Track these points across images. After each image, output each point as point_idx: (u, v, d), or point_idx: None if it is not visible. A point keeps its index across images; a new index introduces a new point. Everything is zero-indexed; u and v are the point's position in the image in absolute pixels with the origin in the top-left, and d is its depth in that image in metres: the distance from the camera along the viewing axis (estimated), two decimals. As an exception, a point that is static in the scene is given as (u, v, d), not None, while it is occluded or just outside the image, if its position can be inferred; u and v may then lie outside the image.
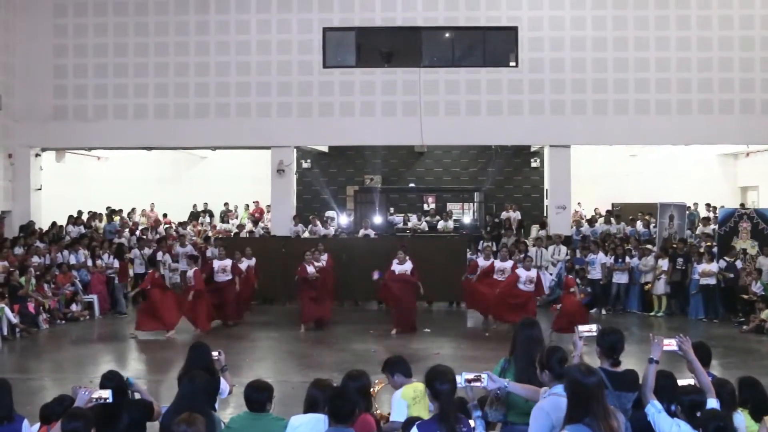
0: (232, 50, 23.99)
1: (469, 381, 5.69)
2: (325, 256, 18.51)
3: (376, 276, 17.59)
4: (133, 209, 27.37)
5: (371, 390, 7.12)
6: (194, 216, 28.39)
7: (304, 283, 17.42)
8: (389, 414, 6.73)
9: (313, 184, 28.02)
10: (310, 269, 17.48)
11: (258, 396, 6.05)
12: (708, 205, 25.53)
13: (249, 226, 26.08)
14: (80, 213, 24.62)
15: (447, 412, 5.28)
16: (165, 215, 28.26)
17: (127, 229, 24.16)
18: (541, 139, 24.60)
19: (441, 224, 25.87)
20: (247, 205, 29.09)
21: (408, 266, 17.20)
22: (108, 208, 26.26)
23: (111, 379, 6.30)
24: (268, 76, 23.93)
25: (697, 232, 22.94)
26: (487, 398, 6.27)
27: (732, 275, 18.79)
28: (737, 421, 5.74)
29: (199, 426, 5.12)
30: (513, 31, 23.77)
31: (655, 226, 22.64)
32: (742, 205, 24.67)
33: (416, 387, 6.50)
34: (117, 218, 25.96)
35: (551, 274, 20.42)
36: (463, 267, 20.25)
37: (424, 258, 18.63)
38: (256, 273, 19.25)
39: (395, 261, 17.26)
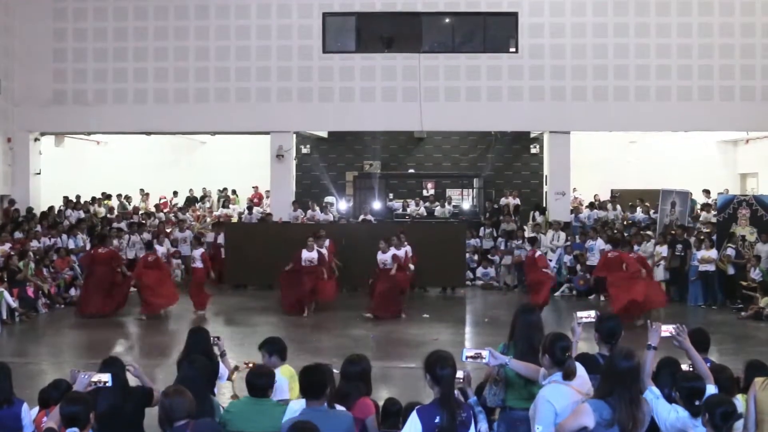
0: (232, 35, 23.93)
1: (470, 357, 5.71)
2: (327, 242, 18.45)
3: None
4: (147, 194, 27.47)
5: (236, 369, 7.79)
6: (190, 201, 28.29)
7: (292, 271, 17.26)
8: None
9: (313, 169, 27.97)
10: (308, 254, 17.37)
11: (259, 381, 6.06)
12: (707, 191, 25.51)
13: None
14: (78, 197, 24.59)
15: (448, 397, 5.28)
16: (175, 193, 28.28)
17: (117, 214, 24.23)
18: (540, 125, 24.57)
19: (438, 210, 25.85)
20: (234, 191, 28.83)
21: (399, 252, 17.27)
22: (103, 193, 26.17)
23: (111, 365, 6.30)
24: (268, 61, 23.88)
25: (701, 219, 22.90)
26: (485, 383, 6.28)
27: (742, 261, 18.84)
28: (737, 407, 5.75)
29: (189, 394, 5.22)
30: (513, 16, 23.73)
31: (655, 213, 22.64)
32: (706, 192, 24.74)
33: (289, 369, 7.02)
34: (110, 203, 25.97)
35: (551, 260, 20.41)
36: (461, 253, 20.32)
37: (422, 244, 18.66)
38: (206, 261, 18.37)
39: (392, 247, 17.36)
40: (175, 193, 28.44)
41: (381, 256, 17.22)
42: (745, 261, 18.81)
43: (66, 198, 24.08)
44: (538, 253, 17.72)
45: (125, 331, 16.14)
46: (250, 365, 6.70)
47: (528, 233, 21.84)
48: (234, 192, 28.30)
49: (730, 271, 18.92)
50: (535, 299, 16.70)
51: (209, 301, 17.92)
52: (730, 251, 19.01)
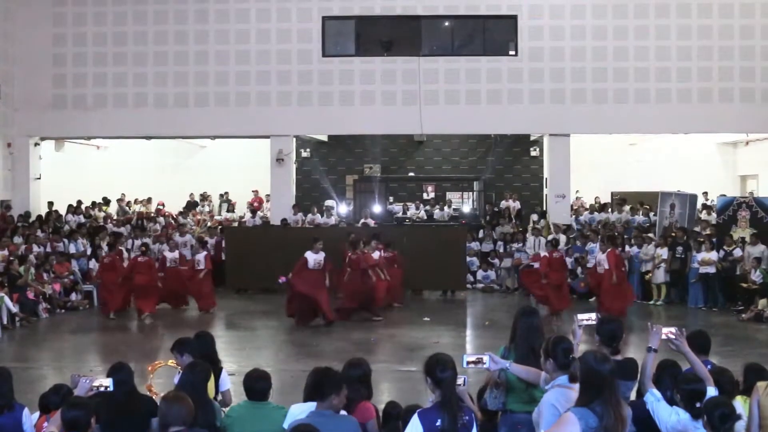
0: (232, 39, 23.94)
1: (471, 363, 5.70)
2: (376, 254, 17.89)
3: (281, 280, 17.18)
4: (149, 198, 27.53)
5: (152, 367, 8.07)
6: (191, 205, 28.28)
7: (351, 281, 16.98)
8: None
9: (313, 173, 27.97)
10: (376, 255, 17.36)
11: (258, 385, 6.06)
12: (705, 193, 25.52)
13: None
14: (79, 202, 24.58)
15: (450, 400, 5.27)
16: (191, 195, 28.35)
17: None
18: (540, 128, 24.57)
19: (438, 213, 25.85)
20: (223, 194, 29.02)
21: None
22: (104, 198, 26.17)
23: (119, 370, 6.29)
24: (268, 65, 23.89)
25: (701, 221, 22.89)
26: (486, 387, 6.28)
27: (728, 264, 18.83)
28: (737, 409, 5.74)
29: (188, 402, 5.22)
30: (513, 19, 23.72)
31: (655, 215, 22.63)
32: (704, 194, 24.86)
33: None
34: (107, 209, 25.96)
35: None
36: (461, 256, 20.33)
37: (422, 247, 18.65)
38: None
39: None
40: (191, 196, 28.54)
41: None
42: (732, 261, 18.84)
43: (70, 206, 23.99)
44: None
45: (126, 334, 16.13)
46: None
47: (529, 235, 21.85)
48: (256, 192, 28.37)
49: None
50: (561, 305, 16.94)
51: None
52: (720, 253, 19.03)
